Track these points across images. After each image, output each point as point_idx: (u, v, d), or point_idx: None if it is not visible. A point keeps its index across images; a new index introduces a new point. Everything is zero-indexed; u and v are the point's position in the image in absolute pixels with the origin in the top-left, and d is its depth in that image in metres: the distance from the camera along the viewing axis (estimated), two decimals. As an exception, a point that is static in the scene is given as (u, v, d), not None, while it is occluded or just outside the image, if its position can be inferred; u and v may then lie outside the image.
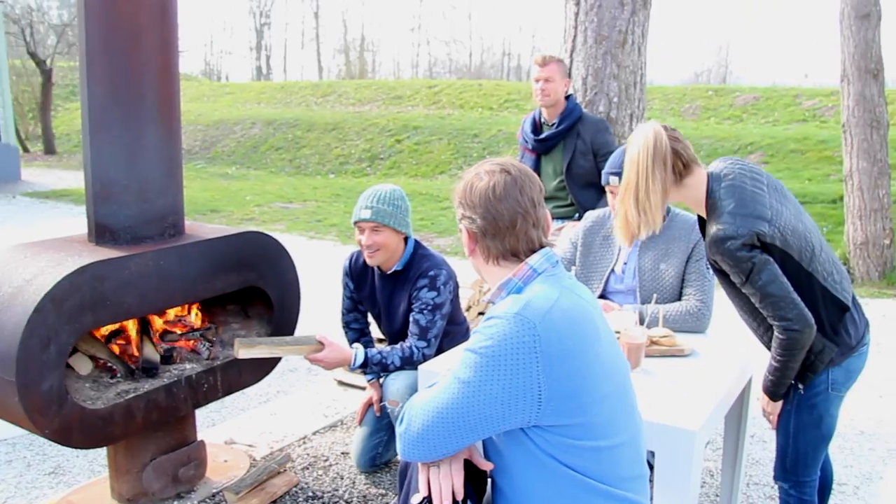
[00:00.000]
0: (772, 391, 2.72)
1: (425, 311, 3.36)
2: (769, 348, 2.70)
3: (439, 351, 3.44)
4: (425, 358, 3.31)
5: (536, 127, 4.73)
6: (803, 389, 2.69)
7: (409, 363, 3.33)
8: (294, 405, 4.58)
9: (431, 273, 3.40)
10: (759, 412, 2.87)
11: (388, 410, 3.43)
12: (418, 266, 3.45)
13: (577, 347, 1.78)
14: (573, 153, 4.57)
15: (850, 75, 8.96)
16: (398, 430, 1.92)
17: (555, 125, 4.62)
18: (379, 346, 3.40)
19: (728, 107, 19.38)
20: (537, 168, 4.72)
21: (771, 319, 2.55)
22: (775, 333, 2.57)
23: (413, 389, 3.21)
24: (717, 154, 14.74)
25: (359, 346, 3.29)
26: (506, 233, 1.93)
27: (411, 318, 3.40)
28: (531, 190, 1.95)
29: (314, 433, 4.17)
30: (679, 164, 2.64)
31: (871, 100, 8.87)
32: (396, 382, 3.33)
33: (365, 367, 3.30)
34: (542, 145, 4.66)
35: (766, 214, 2.53)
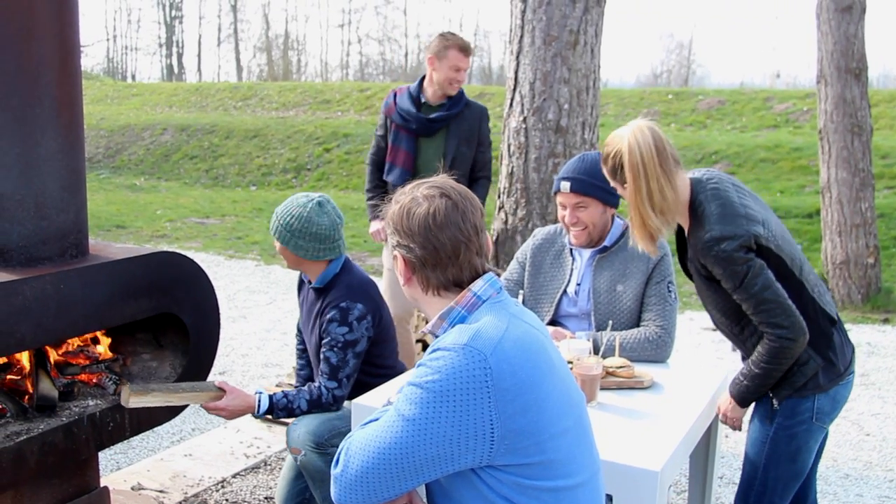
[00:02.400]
0: (744, 397, 2.78)
1: (336, 349, 3.26)
2: (747, 354, 2.76)
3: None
4: (336, 400, 3.25)
5: (417, 106, 4.79)
6: (777, 404, 2.74)
7: (318, 406, 3.25)
8: (211, 444, 4.53)
9: (343, 305, 3.29)
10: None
11: (293, 459, 3.37)
12: (334, 293, 3.35)
13: (531, 380, 1.80)
14: (458, 139, 4.69)
15: (827, 76, 8.79)
16: (333, 471, 1.91)
17: (444, 106, 4.72)
18: (286, 389, 3.31)
19: (690, 112, 19.38)
20: (414, 150, 4.76)
21: (763, 327, 2.62)
22: (765, 339, 2.64)
23: (316, 436, 3.15)
24: (677, 165, 14.77)
25: (262, 392, 3.24)
26: (448, 263, 1.94)
27: (321, 355, 3.31)
28: (473, 215, 1.96)
29: (234, 476, 4.13)
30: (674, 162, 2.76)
31: (851, 103, 8.69)
32: (298, 428, 3.23)
33: (271, 413, 3.25)
34: (429, 126, 4.72)
35: (758, 218, 2.65)
